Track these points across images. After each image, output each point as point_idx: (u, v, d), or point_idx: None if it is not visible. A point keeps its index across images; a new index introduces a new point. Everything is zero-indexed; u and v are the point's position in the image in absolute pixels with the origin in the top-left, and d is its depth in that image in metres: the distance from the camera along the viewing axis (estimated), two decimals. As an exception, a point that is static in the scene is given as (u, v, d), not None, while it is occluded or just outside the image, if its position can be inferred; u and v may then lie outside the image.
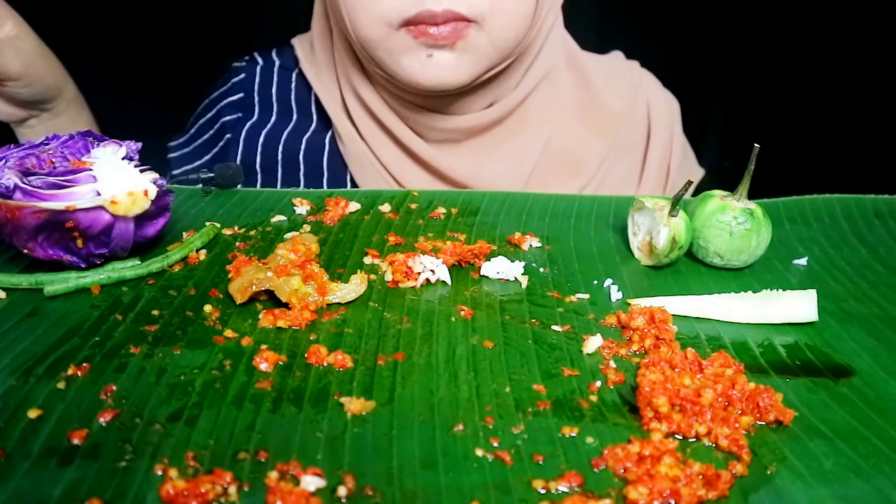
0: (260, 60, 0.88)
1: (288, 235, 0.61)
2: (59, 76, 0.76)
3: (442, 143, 0.82)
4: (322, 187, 0.83)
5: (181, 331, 0.48)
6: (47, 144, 0.55)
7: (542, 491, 0.36)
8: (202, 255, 0.58)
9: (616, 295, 0.55)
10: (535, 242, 0.63)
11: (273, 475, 0.35)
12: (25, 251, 0.52)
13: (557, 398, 0.43)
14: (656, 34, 1.24)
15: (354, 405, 0.41)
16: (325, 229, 0.64)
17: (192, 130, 0.89)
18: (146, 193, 0.53)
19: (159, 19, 1.17)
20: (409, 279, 0.55)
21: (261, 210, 0.67)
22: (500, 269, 0.57)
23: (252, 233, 0.62)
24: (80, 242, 0.52)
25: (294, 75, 0.87)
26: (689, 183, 0.56)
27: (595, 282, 0.57)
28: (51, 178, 0.51)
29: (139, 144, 0.57)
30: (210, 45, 1.08)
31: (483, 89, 0.79)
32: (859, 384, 0.46)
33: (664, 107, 0.90)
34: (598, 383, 0.44)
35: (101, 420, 0.39)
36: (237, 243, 0.60)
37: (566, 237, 0.64)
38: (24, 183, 0.50)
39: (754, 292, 0.54)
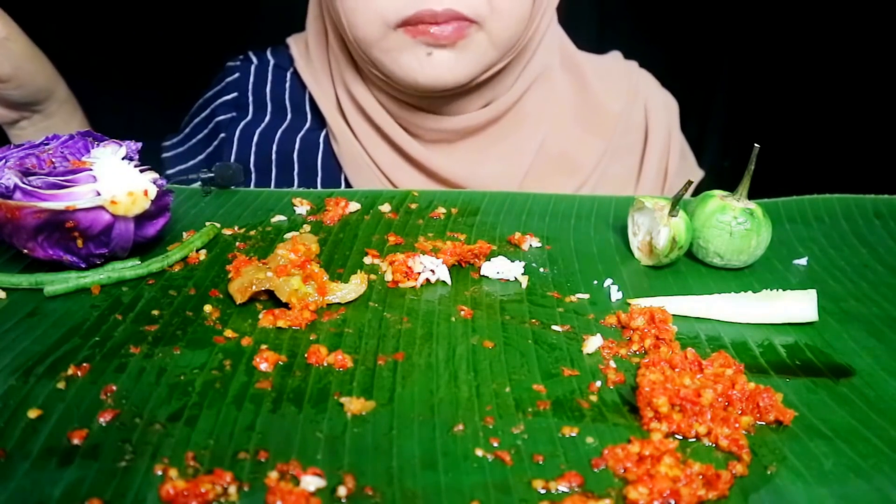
0: (254, 59, 0.88)
1: (288, 235, 0.61)
2: (50, 77, 0.76)
3: (436, 143, 0.82)
4: (316, 186, 0.83)
5: (181, 331, 0.48)
6: (47, 144, 0.55)
7: (542, 491, 0.36)
8: (202, 255, 0.58)
9: (616, 295, 0.55)
10: (535, 242, 0.63)
11: (273, 475, 0.35)
12: (25, 251, 0.52)
13: (557, 398, 0.43)
14: (656, 34, 1.24)
15: (354, 405, 0.41)
16: (325, 229, 0.64)
17: (187, 130, 0.89)
18: (146, 193, 0.53)
19: (158, 19, 1.17)
20: (409, 279, 0.55)
21: (261, 210, 0.67)
22: (500, 269, 0.57)
23: (252, 233, 0.62)
24: (80, 242, 0.52)
25: (289, 74, 0.87)
26: (689, 183, 0.56)
27: (595, 282, 0.57)
28: (51, 178, 0.51)
29: (139, 144, 0.57)
30: (209, 44, 1.08)
31: (479, 90, 0.79)
32: (859, 384, 0.46)
33: (662, 108, 0.89)
34: (598, 383, 0.44)
35: (101, 420, 0.39)
36: (237, 243, 0.60)
37: (566, 237, 0.64)
38: (24, 183, 0.50)
39: (754, 292, 0.54)
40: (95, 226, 0.51)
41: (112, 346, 0.46)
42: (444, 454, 0.38)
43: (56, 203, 0.50)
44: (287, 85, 0.87)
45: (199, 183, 0.71)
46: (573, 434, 0.40)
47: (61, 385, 0.42)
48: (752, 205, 0.59)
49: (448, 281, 0.55)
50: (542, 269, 0.58)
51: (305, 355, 0.45)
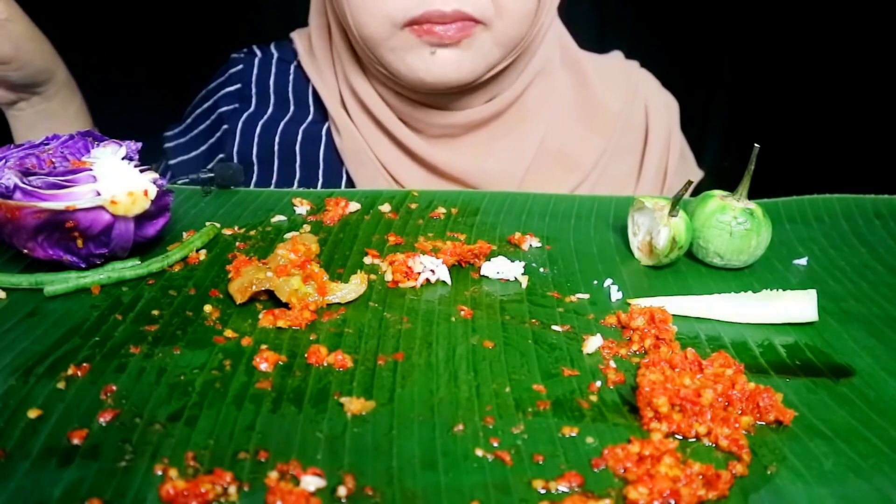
0: (258, 52, 0.89)
1: (288, 235, 0.61)
2: (51, 59, 0.75)
3: (438, 138, 0.83)
4: (318, 179, 0.84)
5: (181, 331, 0.48)
6: (47, 144, 0.55)
7: (542, 491, 0.36)
8: (202, 255, 0.58)
9: (616, 295, 0.55)
10: (535, 242, 0.63)
11: (273, 475, 0.35)
12: (25, 251, 0.52)
13: (557, 398, 0.43)
14: (657, 34, 1.24)
15: (354, 405, 0.41)
16: (325, 229, 0.64)
17: (189, 121, 0.89)
18: (146, 193, 0.53)
19: (159, 16, 1.17)
20: (409, 279, 0.55)
21: (261, 210, 0.67)
22: (500, 269, 0.57)
23: (252, 233, 0.62)
24: (80, 242, 0.52)
25: (292, 68, 0.87)
26: (689, 183, 0.56)
27: (595, 282, 0.57)
28: (51, 178, 0.51)
29: (139, 144, 0.57)
30: (209, 42, 1.08)
31: (483, 87, 0.80)
32: (859, 384, 0.46)
33: (662, 107, 0.90)
34: (598, 383, 0.44)
35: (101, 420, 0.39)
36: (237, 243, 0.60)
37: (566, 237, 0.64)
38: (24, 183, 0.50)
39: (754, 292, 0.54)
40: (95, 226, 0.51)
41: (112, 346, 0.46)
42: (444, 454, 0.38)
43: (56, 203, 0.50)
44: (290, 77, 0.87)
45: (200, 182, 0.71)
46: (573, 434, 0.40)
47: (61, 385, 0.42)
48: (752, 205, 0.59)
49: (448, 281, 0.55)
50: (542, 269, 0.58)
51: (305, 355, 0.45)
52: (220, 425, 0.39)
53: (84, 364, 0.43)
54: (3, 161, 0.52)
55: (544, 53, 0.84)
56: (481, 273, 0.57)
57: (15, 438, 0.38)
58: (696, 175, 0.92)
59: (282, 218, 0.65)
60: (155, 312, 0.50)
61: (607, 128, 0.86)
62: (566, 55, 0.88)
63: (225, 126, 0.85)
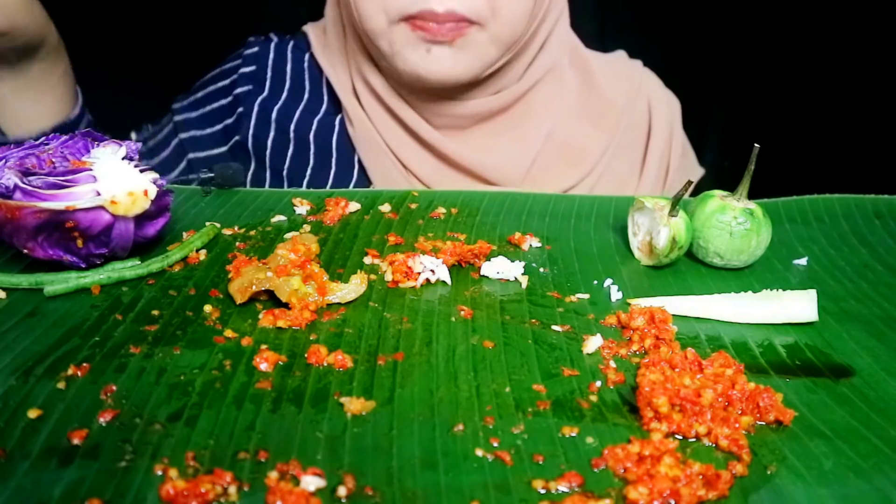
0: (274, 38, 0.90)
1: (288, 235, 0.61)
2: (44, 26, 0.71)
3: (448, 128, 0.84)
4: (331, 167, 0.85)
5: (181, 331, 0.48)
6: (47, 144, 0.55)
7: (542, 491, 0.36)
8: (202, 255, 0.58)
9: (616, 295, 0.55)
10: (535, 242, 0.63)
11: (273, 475, 0.35)
12: (25, 251, 0.52)
13: (557, 398, 0.43)
14: (658, 34, 1.24)
15: (354, 405, 0.41)
16: (325, 229, 0.64)
17: (200, 95, 0.89)
18: (146, 193, 0.53)
19: (159, 14, 1.17)
20: (409, 279, 0.55)
21: (261, 210, 0.67)
22: (500, 269, 0.57)
23: (252, 233, 0.62)
24: (80, 242, 0.52)
25: (307, 56, 0.89)
26: (689, 183, 0.56)
27: (595, 282, 0.57)
28: (51, 178, 0.51)
29: (139, 144, 0.57)
30: (209, 41, 1.08)
31: (486, 82, 0.81)
32: (859, 384, 0.46)
33: (665, 106, 0.91)
34: (598, 383, 0.44)
35: (101, 420, 0.39)
36: (237, 243, 0.60)
37: (566, 237, 0.64)
38: (24, 183, 0.50)
39: (754, 292, 0.54)
40: (95, 226, 0.51)
41: (112, 346, 0.46)
42: (444, 454, 0.38)
43: (56, 203, 0.50)
44: (305, 65, 0.88)
45: (200, 182, 0.71)
46: (573, 434, 0.40)
47: (61, 385, 0.42)
48: (752, 205, 0.59)
49: (448, 281, 0.55)
50: (542, 269, 0.58)
51: (305, 355, 0.45)
52: (220, 425, 0.39)
53: (84, 364, 0.43)
54: (3, 161, 0.52)
55: (553, 55, 0.85)
56: (481, 273, 0.57)
57: (15, 438, 0.38)
58: (697, 173, 0.93)
59: (282, 218, 0.65)
60: (155, 312, 0.50)
61: (611, 124, 0.88)
62: (575, 55, 0.89)
63: (240, 109, 0.86)
